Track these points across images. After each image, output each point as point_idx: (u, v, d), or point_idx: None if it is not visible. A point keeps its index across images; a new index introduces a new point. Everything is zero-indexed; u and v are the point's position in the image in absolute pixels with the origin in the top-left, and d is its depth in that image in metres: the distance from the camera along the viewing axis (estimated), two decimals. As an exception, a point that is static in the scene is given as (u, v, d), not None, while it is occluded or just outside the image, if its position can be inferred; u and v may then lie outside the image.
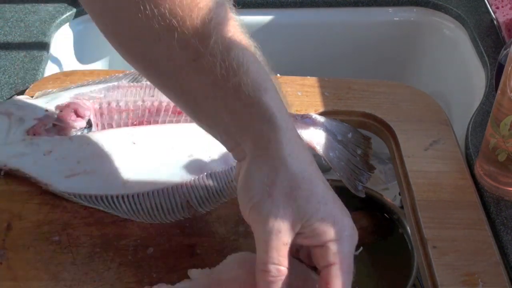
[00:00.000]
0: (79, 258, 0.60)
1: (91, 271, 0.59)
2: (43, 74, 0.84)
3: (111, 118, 0.72)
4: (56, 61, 0.92)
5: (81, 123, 0.70)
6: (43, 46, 0.88)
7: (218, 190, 0.67)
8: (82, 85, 0.75)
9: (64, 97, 0.72)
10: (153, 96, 0.73)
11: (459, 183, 0.71)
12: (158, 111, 0.73)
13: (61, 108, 0.70)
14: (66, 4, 0.96)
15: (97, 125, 0.71)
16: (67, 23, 0.96)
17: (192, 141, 0.70)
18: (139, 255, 0.61)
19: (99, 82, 0.75)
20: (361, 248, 0.90)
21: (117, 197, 0.65)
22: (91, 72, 0.82)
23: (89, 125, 0.71)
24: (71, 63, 0.98)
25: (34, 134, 0.68)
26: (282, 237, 0.49)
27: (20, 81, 0.81)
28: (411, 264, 0.82)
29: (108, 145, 0.69)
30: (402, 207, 0.86)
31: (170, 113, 0.73)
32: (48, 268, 0.59)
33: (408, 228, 0.83)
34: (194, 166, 0.68)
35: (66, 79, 0.79)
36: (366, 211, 0.90)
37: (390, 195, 0.98)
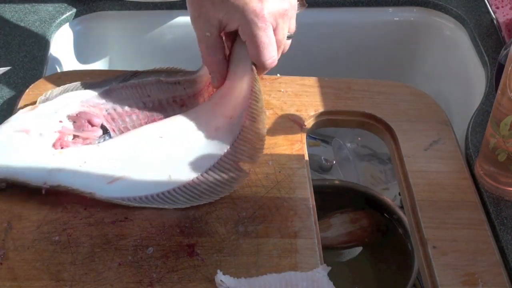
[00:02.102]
0: (79, 258, 0.60)
1: (91, 271, 0.59)
2: (43, 74, 0.84)
3: (123, 121, 0.72)
4: (56, 61, 0.92)
5: (98, 132, 0.70)
6: (43, 46, 0.88)
7: (257, 137, 0.69)
8: (76, 88, 0.74)
9: (70, 106, 0.71)
10: (149, 96, 0.74)
11: (459, 183, 0.71)
12: (160, 107, 0.73)
13: (73, 118, 0.70)
14: (66, 4, 0.96)
15: (113, 130, 0.71)
16: (67, 23, 0.96)
17: (212, 116, 0.71)
18: (139, 255, 0.61)
19: (91, 86, 0.74)
20: (361, 248, 0.91)
21: (174, 190, 0.66)
22: (91, 72, 0.82)
23: (105, 130, 0.71)
24: (71, 63, 0.98)
25: (62, 147, 0.68)
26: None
27: (20, 81, 0.81)
28: (411, 264, 0.82)
29: (137, 145, 0.69)
30: (402, 207, 0.86)
31: (174, 106, 0.74)
32: (48, 268, 0.59)
33: (408, 228, 0.84)
34: (227, 132, 0.70)
35: (66, 79, 0.78)
36: (366, 211, 0.90)
37: (390, 195, 0.98)
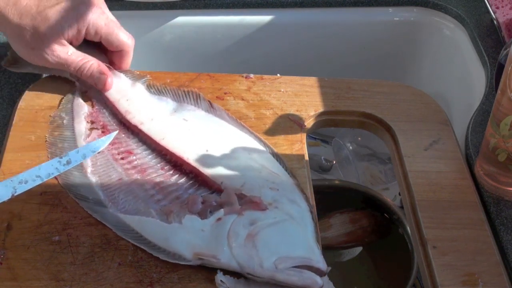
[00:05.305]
0: (79, 258, 0.60)
1: (91, 271, 0.59)
2: (42, 74, 0.84)
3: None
4: (56, 61, 0.92)
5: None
6: (43, 46, 0.88)
7: None
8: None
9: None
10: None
11: (459, 183, 0.71)
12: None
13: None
14: (66, 4, 0.96)
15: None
16: (67, 23, 0.96)
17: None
18: (139, 255, 0.61)
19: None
20: (361, 248, 0.91)
21: None
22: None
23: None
24: (71, 63, 0.97)
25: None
26: None
27: (20, 81, 0.81)
28: (411, 264, 0.82)
29: None
30: (402, 207, 0.86)
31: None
32: (48, 268, 0.59)
33: (408, 228, 0.84)
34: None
35: (66, 79, 0.78)
36: (366, 211, 0.90)
37: (390, 195, 0.98)
